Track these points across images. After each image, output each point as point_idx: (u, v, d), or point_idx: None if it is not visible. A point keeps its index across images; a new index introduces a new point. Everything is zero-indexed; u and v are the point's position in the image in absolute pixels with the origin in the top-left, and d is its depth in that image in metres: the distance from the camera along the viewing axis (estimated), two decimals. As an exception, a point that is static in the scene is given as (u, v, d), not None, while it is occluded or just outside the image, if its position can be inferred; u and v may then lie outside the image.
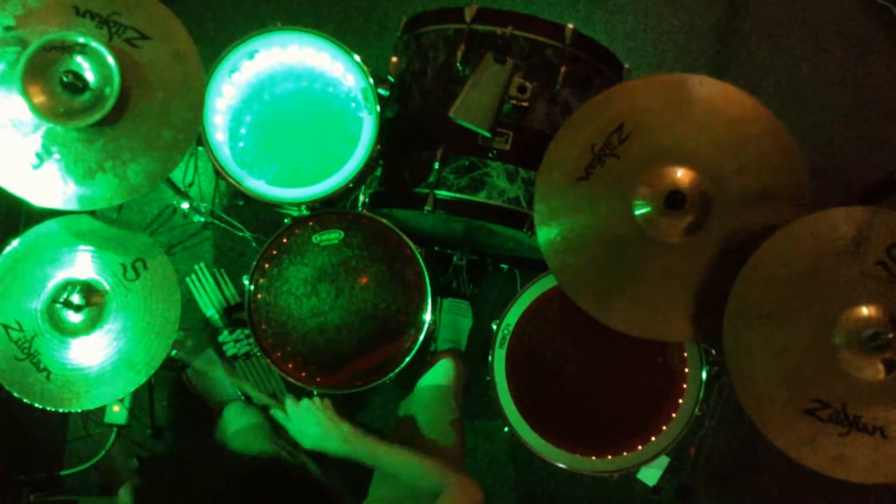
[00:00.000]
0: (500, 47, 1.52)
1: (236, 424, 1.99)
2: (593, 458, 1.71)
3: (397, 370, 1.76)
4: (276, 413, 1.50)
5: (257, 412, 2.07)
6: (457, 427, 1.75)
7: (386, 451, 1.42)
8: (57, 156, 1.42)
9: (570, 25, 1.63)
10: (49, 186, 1.42)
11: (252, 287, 1.78)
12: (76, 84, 1.37)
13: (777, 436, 1.30)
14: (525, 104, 1.60)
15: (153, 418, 2.21)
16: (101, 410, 2.19)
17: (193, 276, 2.31)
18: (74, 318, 1.55)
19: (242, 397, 2.21)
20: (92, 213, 1.63)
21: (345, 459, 1.42)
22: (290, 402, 1.48)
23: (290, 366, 1.78)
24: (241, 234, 2.28)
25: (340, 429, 1.43)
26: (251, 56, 1.78)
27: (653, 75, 1.45)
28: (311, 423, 1.44)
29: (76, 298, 1.53)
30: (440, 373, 1.93)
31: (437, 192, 1.65)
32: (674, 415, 1.71)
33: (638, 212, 1.43)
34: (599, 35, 2.48)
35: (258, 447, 1.90)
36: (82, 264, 1.60)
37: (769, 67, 2.50)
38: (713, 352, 1.82)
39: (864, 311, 1.29)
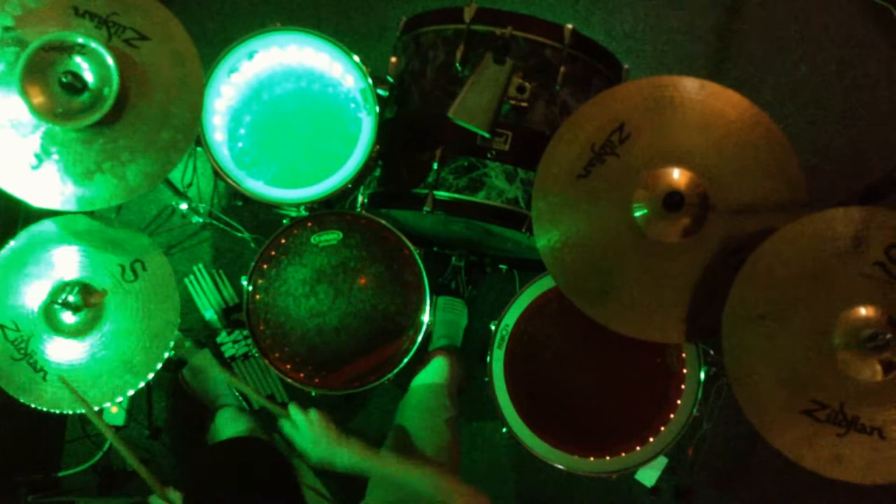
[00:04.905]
0: (499, 47, 1.51)
1: (228, 431, 1.98)
2: (591, 458, 1.71)
3: (395, 371, 1.75)
4: (284, 424, 1.47)
5: (249, 418, 2.06)
6: (452, 426, 1.75)
7: (393, 464, 1.44)
8: (56, 156, 1.42)
9: (569, 26, 1.63)
10: (48, 187, 1.42)
11: (250, 288, 1.78)
12: (75, 84, 1.37)
13: (775, 436, 1.31)
14: (524, 104, 1.60)
15: (151, 419, 2.21)
16: (99, 411, 2.19)
17: (192, 277, 2.31)
18: (72, 318, 1.55)
19: (237, 399, 2.21)
20: (90, 213, 1.63)
21: (351, 473, 1.42)
22: (294, 410, 1.46)
23: (288, 367, 1.78)
24: (239, 234, 2.28)
25: (348, 443, 1.43)
26: (250, 56, 1.78)
27: (655, 77, 1.45)
28: (320, 437, 1.43)
29: (74, 299, 1.53)
30: (434, 371, 1.93)
31: (435, 192, 1.65)
32: (672, 415, 1.71)
33: (636, 213, 1.43)
34: (599, 35, 2.48)
35: None
36: (80, 265, 1.60)
37: (769, 67, 2.50)
38: (711, 352, 1.82)
39: (863, 311, 1.29)
